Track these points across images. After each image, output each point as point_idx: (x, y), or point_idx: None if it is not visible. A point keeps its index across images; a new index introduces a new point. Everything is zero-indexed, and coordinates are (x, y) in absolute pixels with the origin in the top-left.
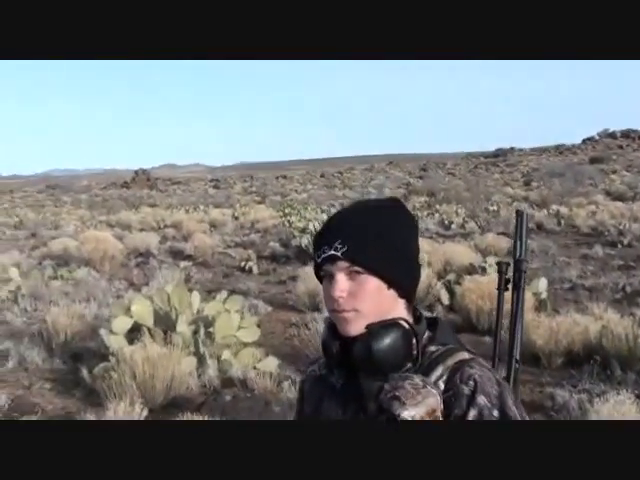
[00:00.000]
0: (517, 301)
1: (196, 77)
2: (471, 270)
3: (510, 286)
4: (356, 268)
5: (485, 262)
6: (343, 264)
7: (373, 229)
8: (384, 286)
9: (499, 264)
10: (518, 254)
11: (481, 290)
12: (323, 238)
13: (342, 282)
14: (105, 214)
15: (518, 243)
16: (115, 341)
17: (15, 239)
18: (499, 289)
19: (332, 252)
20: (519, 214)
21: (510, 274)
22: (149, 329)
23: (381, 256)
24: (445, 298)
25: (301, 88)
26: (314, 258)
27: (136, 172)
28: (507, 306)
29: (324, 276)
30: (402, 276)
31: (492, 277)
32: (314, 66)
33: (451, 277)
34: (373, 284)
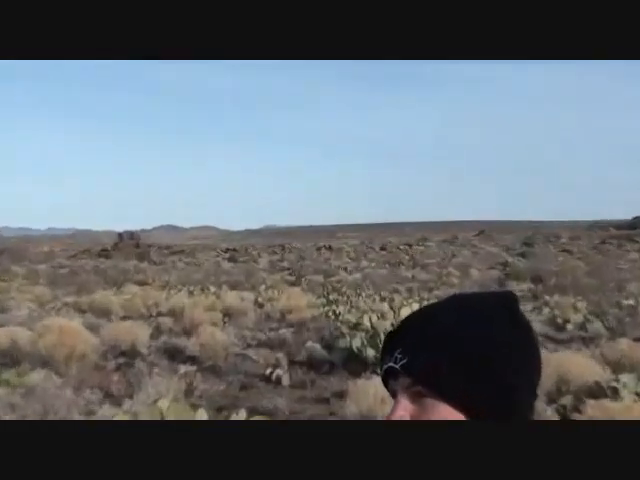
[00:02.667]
0: None
1: (209, 111)
2: (596, 391)
3: None
4: (419, 388)
5: (617, 380)
6: (405, 380)
7: (452, 335)
8: (460, 416)
9: None
10: None
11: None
12: (388, 343)
13: (402, 404)
14: (74, 294)
15: None
16: None
17: None
18: None
19: (391, 364)
20: None
21: None
22: None
23: (456, 375)
24: None
25: (349, 121)
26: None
27: (120, 235)
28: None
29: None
30: (491, 406)
31: (626, 403)
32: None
33: (567, 401)
34: (442, 412)
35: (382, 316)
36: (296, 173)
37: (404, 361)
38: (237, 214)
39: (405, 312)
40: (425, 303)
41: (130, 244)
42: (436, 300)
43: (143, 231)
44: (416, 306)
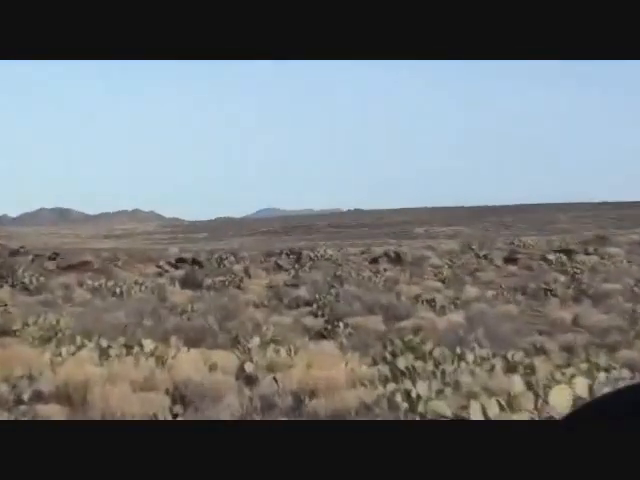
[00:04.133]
0: None
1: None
2: None
3: None
4: None
5: None
6: None
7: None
8: None
9: None
10: None
11: None
12: None
13: None
14: None
15: None
16: None
17: None
18: None
19: None
20: None
21: None
22: None
23: None
24: None
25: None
26: None
27: None
28: None
29: None
30: None
31: None
32: None
33: None
34: None
35: (511, 404)
36: (321, 109)
37: None
38: (201, 189)
39: (559, 397)
40: (602, 377)
41: None
42: (628, 376)
43: (2, 221)
44: (582, 386)
